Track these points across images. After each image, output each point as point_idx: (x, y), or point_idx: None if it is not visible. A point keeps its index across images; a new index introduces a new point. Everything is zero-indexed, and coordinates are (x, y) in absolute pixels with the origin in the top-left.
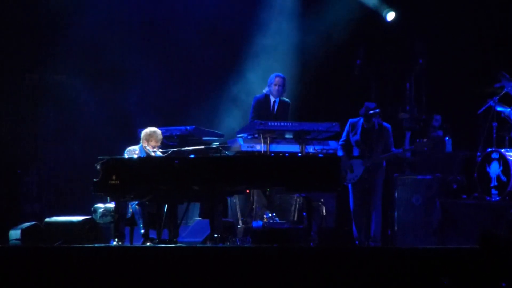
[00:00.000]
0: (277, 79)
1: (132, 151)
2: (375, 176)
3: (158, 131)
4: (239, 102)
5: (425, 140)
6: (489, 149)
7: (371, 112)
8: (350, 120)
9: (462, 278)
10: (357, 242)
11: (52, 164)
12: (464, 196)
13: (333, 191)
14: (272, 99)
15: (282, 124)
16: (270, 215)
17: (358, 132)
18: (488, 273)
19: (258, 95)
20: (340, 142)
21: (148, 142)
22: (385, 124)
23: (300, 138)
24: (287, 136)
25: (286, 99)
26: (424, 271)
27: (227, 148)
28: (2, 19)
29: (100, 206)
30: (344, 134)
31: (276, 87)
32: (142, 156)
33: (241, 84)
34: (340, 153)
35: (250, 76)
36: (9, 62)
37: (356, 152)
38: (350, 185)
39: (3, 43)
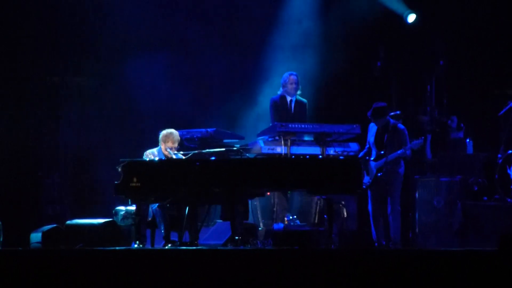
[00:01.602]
0: (292, 77)
1: (151, 154)
2: (389, 178)
3: (174, 132)
4: (259, 104)
5: (420, 140)
6: (510, 151)
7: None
8: (370, 124)
9: (483, 280)
10: (376, 244)
11: (73, 167)
12: (485, 198)
13: (354, 193)
14: (289, 98)
15: (303, 126)
16: (291, 217)
17: (374, 134)
18: (509, 275)
19: (273, 96)
20: (366, 145)
21: (165, 144)
22: (399, 125)
23: (320, 140)
24: (308, 138)
25: (303, 99)
26: (445, 273)
27: (248, 150)
28: (23, 22)
29: (122, 208)
30: (368, 137)
31: (293, 86)
32: (161, 158)
33: (261, 86)
34: (359, 155)
35: (270, 77)
36: (30, 65)
37: (373, 154)
38: (368, 188)
39: (24, 47)
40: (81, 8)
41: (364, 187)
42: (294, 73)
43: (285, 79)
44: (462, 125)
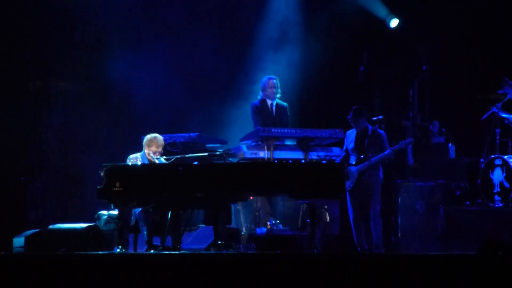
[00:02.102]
0: (271, 81)
1: (134, 159)
2: (371, 181)
3: (159, 136)
4: (243, 109)
5: (409, 139)
6: (492, 156)
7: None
8: (347, 132)
9: (465, 284)
10: (358, 248)
11: (56, 171)
12: (468, 203)
13: (337, 198)
14: (269, 102)
15: (286, 130)
16: (273, 221)
17: (353, 139)
18: (490, 280)
19: (254, 101)
20: (342, 153)
21: (149, 148)
22: (379, 130)
23: (303, 144)
24: (291, 142)
25: (284, 103)
26: (427, 278)
27: (231, 155)
28: (6, 26)
29: (104, 213)
30: (344, 145)
31: (273, 89)
32: (144, 163)
33: (244, 91)
34: (337, 161)
35: (253, 83)
36: (13, 69)
37: (352, 160)
38: (347, 193)
39: (7, 51)
40: (65, 10)
41: (347, 192)
42: (274, 76)
43: (265, 83)
44: (443, 130)
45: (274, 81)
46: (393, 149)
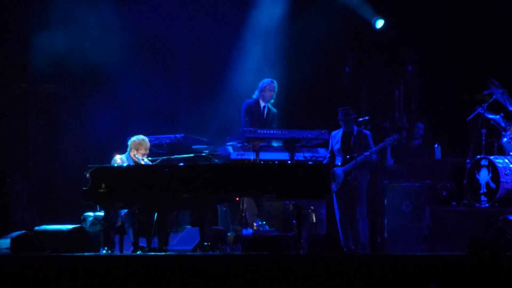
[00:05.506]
0: (273, 84)
1: (119, 159)
2: (357, 182)
3: (146, 139)
4: (228, 110)
5: (394, 136)
6: (478, 156)
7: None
8: (332, 132)
9: (451, 284)
10: (345, 249)
11: (42, 173)
12: (454, 203)
13: (323, 198)
14: (262, 104)
15: (272, 132)
16: (260, 223)
17: (339, 140)
18: (477, 280)
19: (248, 100)
20: (327, 155)
21: (138, 151)
22: (364, 131)
23: (289, 145)
24: (277, 143)
25: (274, 108)
26: (414, 278)
27: (217, 156)
28: None
29: (90, 214)
30: (330, 146)
31: (272, 93)
32: (129, 164)
33: (230, 92)
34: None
35: (239, 84)
36: None
37: (338, 161)
38: (334, 194)
39: None
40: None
41: (334, 193)
42: (275, 81)
43: (265, 85)
44: (422, 134)
45: (275, 85)
46: (373, 151)
